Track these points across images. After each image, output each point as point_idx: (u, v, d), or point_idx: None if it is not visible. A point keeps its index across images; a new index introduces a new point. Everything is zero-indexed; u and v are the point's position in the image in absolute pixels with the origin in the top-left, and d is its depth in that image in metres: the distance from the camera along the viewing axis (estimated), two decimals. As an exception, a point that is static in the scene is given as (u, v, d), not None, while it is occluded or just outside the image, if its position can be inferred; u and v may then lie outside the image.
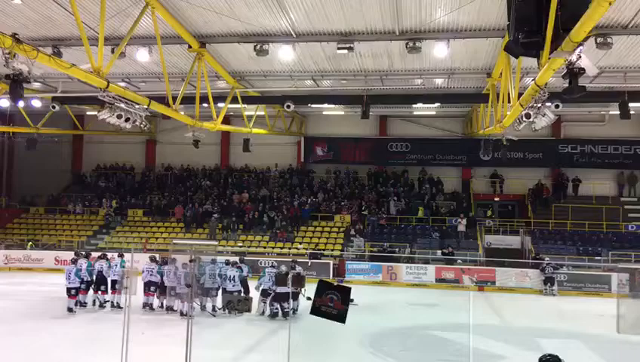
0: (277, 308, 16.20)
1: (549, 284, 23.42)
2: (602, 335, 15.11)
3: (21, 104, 23.47)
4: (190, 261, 10.81)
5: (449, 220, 29.46)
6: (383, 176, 33.22)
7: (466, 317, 12.42)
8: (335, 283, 7.45)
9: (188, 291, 15.87)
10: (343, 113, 31.58)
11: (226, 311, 16.19)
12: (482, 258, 26.58)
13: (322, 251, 27.66)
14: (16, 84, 11.36)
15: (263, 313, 16.53)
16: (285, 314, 15.85)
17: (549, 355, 5.62)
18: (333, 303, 6.98)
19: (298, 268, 17.93)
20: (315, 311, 7.22)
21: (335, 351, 12.59)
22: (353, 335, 14.00)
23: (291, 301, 16.32)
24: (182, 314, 15.97)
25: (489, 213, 30.62)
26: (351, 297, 18.64)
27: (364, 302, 19.18)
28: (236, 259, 18.56)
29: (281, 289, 16.13)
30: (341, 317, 7.05)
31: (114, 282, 16.89)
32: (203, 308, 16.69)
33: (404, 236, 28.48)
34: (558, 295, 23.18)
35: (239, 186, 33.70)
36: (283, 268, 16.47)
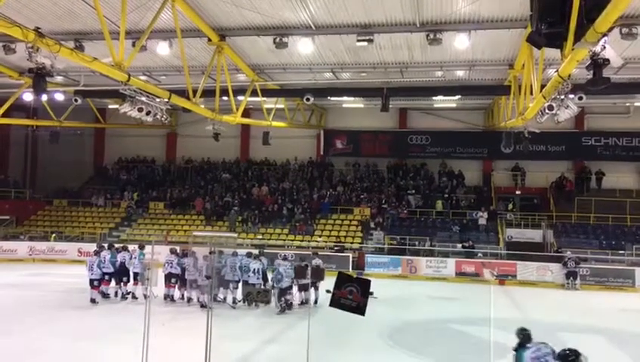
0: (284, 303, 16.18)
1: (571, 278, 23.14)
2: (625, 330, 14.90)
3: (44, 98, 23.82)
4: (210, 253, 10.89)
5: (469, 213, 29.24)
6: (402, 169, 33.07)
7: (486, 311, 12.31)
8: (355, 276, 7.42)
9: (208, 283, 16.04)
10: (362, 106, 31.45)
11: (246, 303, 16.31)
12: (503, 251, 26.34)
13: (343, 244, 27.67)
14: (40, 77, 11.52)
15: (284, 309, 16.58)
16: (289, 307, 15.96)
17: (568, 350, 5.60)
18: (352, 296, 6.96)
19: (318, 261, 17.99)
20: (335, 303, 7.21)
21: (354, 344, 12.59)
22: (373, 328, 13.99)
23: (312, 293, 16.41)
24: (202, 305, 16.10)
25: (510, 206, 30.30)
26: (370, 290, 18.66)
27: (384, 295, 19.15)
28: (256, 251, 18.63)
29: (286, 284, 16.17)
30: (360, 310, 7.03)
31: (136, 274, 17.11)
32: (223, 300, 16.79)
33: (424, 229, 28.33)
34: (580, 289, 22.90)
35: (259, 179, 33.82)
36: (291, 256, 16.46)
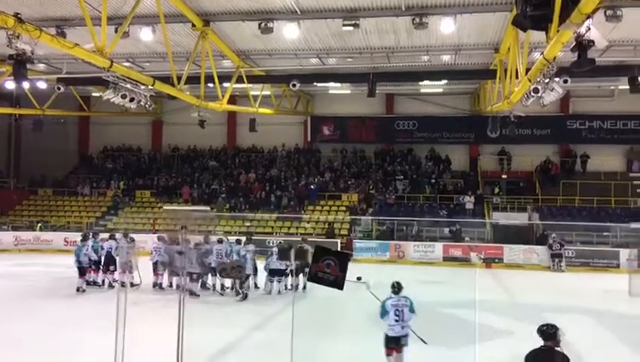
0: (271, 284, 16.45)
1: (556, 260, 23.41)
2: (611, 311, 15.11)
3: (26, 85, 23.45)
4: (182, 228, 10.82)
5: (456, 198, 29.40)
6: (389, 155, 33.11)
7: (472, 294, 12.43)
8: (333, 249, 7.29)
9: (200, 271, 16.03)
10: (349, 92, 31.37)
11: (220, 277, 16.29)
12: (490, 235, 26.57)
13: (333, 227, 27.72)
14: (20, 64, 11.32)
15: (270, 292, 16.64)
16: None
17: (547, 325, 5.72)
18: (330, 269, 6.80)
19: (306, 246, 18.00)
20: (312, 277, 7.08)
21: (341, 329, 12.66)
22: (360, 312, 14.04)
23: (301, 278, 16.45)
24: (191, 293, 16.07)
25: (497, 190, 30.49)
26: (358, 275, 18.70)
27: (372, 280, 19.20)
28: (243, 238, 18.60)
29: (274, 265, 16.27)
30: (338, 284, 6.87)
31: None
32: (212, 287, 16.77)
33: (412, 214, 28.42)
34: (566, 271, 23.17)
35: (246, 166, 33.71)
36: (280, 242, 16.53)
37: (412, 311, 8.93)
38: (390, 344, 8.86)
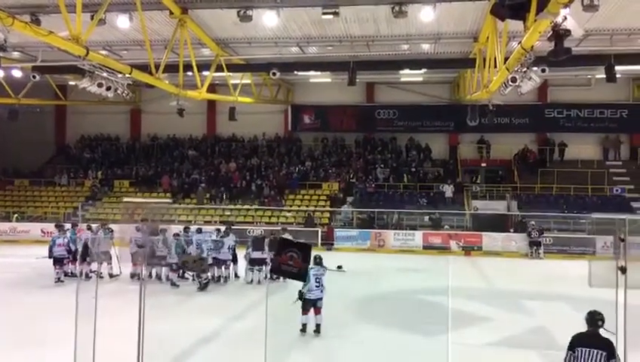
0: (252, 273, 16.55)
1: (535, 248, 23.74)
2: (587, 296, 15.35)
3: (0, 74, 22.97)
4: (142, 220, 10.86)
5: (436, 186, 29.59)
6: (370, 144, 33.18)
7: (451, 281, 12.53)
8: (295, 241, 7.36)
9: (142, 252, 15.79)
10: (329, 80, 31.26)
11: (182, 271, 16.24)
12: (469, 223, 26.83)
13: (312, 215, 27.74)
14: (-8, 52, 11.07)
15: (251, 281, 16.64)
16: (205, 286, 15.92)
17: (594, 311, 6.14)
18: (293, 261, 6.79)
19: (287, 236, 18.02)
20: (276, 269, 7.14)
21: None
22: (339, 300, 14.14)
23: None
24: (172, 283, 16.04)
25: (477, 178, 30.76)
26: (339, 264, 18.84)
27: (352, 268, 19.34)
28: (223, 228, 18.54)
29: (255, 255, 16.29)
30: (301, 276, 6.91)
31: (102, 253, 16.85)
32: (193, 277, 16.70)
33: (392, 203, 28.57)
34: (544, 258, 23.51)
35: (226, 155, 33.52)
36: (259, 232, 16.57)
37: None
38: (308, 306, 10.88)
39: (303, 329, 10.99)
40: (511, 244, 24.68)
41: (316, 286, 10.81)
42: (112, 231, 18.18)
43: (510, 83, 15.03)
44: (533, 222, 24.34)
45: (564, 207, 26.99)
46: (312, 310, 10.94)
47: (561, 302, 14.87)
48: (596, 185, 28.46)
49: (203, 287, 15.70)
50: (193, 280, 16.28)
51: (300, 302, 10.86)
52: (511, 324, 12.11)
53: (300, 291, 10.69)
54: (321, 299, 10.97)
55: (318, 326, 10.94)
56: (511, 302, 14.61)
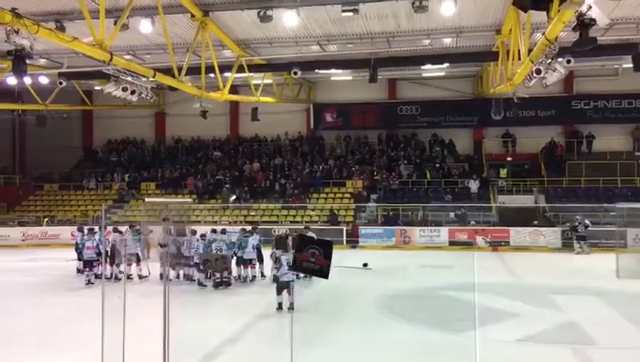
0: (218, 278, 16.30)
1: (582, 243, 23.16)
2: (619, 291, 15.08)
3: (28, 81, 23.45)
4: (163, 220, 10.93)
5: (461, 182, 29.34)
6: (393, 140, 33.03)
7: (478, 277, 12.39)
8: (316, 238, 7.36)
9: (163, 251, 15.90)
10: (350, 78, 31.21)
11: (205, 271, 16.20)
12: (495, 218, 26.52)
13: (336, 214, 27.72)
14: (19, 59, 11.32)
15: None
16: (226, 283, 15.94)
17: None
18: (314, 258, 6.72)
19: (310, 234, 18.03)
20: (297, 266, 7.02)
21: (347, 315, 12.68)
22: (366, 298, 14.13)
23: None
24: (199, 283, 16.17)
25: (502, 172, 30.40)
26: (365, 261, 18.78)
27: (378, 266, 19.30)
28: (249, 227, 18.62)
29: (278, 254, 16.26)
30: (323, 273, 6.79)
31: (131, 255, 17.08)
32: (217, 277, 16.79)
33: (417, 199, 28.39)
34: (590, 253, 22.89)
35: (250, 156, 33.71)
36: (283, 231, 16.59)
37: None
38: (283, 287, 12.33)
39: (279, 308, 12.43)
40: (539, 239, 24.32)
41: (287, 270, 11.99)
42: (141, 232, 18.41)
43: (535, 75, 14.84)
44: (579, 217, 23.58)
45: (593, 200, 26.46)
46: (285, 291, 12.29)
47: (590, 295, 14.61)
48: (626, 177, 27.92)
49: (217, 285, 15.76)
50: (210, 278, 16.29)
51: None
52: (540, 320, 11.93)
53: (274, 275, 12.48)
54: (292, 281, 12.34)
55: (291, 303, 11.98)
56: (540, 297, 14.38)
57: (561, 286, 16.15)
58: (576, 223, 23.50)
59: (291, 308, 11.86)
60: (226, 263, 15.45)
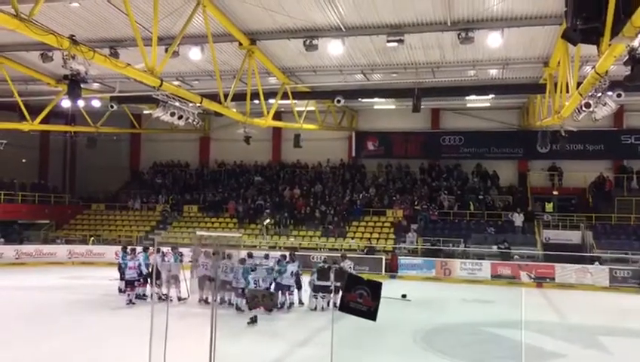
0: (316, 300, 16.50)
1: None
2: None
3: (81, 104, 24.42)
4: (213, 253, 10.90)
5: (505, 215, 28.71)
6: (435, 170, 32.73)
7: (521, 314, 12.00)
8: (366, 278, 7.07)
9: (243, 285, 16.07)
10: (394, 107, 31.22)
11: (249, 307, 15.84)
12: (540, 253, 25.77)
13: (375, 246, 27.47)
14: (74, 83, 11.80)
15: (316, 308, 16.57)
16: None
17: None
18: (362, 299, 6.54)
19: (348, 262, 17.92)
20: (344, 307, 6.79)
21: (385, 347, 12.47)
22: (405, 330, 13.86)
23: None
24: (237, 308, 16.19)
25: (548, 206, 29.64)
26: (403, 293, 18.43)
27: (417, 297, 18.96)
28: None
29: (320, 283, 16.13)
30: (371, 315, 6.57)
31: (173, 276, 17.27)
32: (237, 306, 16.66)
33: (458, 231, 27.93)
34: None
35: (291, 182, 33.93)
36: (321, 258, 16.57)
37: None
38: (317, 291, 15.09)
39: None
40: (586, 276, 23.47)
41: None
42: (182, 255, 18.65)
43: (584, 108, 14.54)
44: None
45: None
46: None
47: (638, 338, 13.97)
48: (678, 215, 26.80)
49: (251, 322, 14.65)
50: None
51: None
52: (586, 361, 11.48)
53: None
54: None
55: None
56: (586, 338, 13.84)
57: (607, 326, 15.51)
58: None
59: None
60: (273, 300, 15.35)
